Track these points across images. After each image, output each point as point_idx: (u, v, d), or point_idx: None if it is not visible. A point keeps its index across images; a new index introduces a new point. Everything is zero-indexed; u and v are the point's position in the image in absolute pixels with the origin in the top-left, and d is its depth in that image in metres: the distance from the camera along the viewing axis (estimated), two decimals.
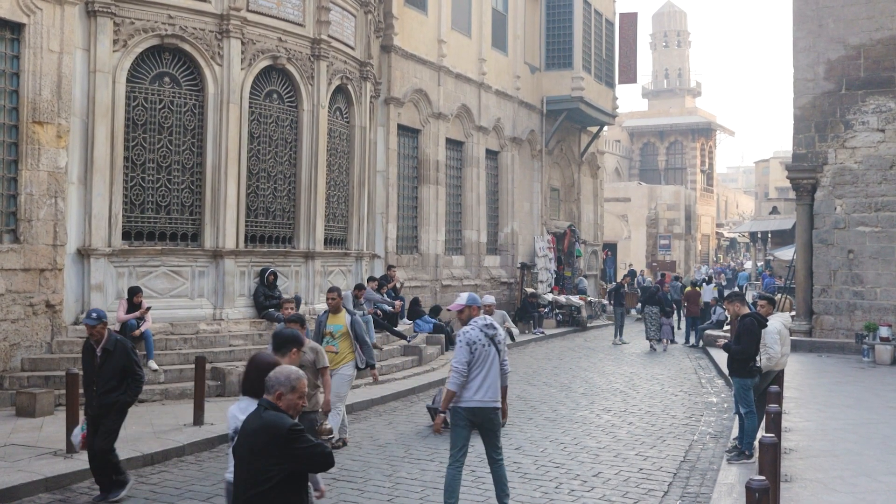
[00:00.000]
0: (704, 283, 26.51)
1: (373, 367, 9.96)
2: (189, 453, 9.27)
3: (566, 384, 14.73)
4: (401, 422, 11.37)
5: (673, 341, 21.97)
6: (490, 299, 11.15)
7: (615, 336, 22.08)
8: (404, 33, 19.49)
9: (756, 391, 9.51)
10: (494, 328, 7.04)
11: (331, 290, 10.01)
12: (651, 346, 20.98)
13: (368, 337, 9.75)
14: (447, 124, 21.42)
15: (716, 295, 24.37)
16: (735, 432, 9.62)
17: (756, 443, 8.03)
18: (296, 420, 4.32)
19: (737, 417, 9.48)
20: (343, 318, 9.74)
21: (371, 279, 16.80)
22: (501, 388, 7.06)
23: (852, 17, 18.53)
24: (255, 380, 4.82)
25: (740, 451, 8.96)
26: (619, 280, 33.43)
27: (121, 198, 12.54)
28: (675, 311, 25.27)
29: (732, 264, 52.90)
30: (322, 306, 15.21)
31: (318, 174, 15.16)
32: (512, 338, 10.30)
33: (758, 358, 9.20)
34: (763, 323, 9.26)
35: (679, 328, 24.57)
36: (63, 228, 11.80)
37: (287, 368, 4.40)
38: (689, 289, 24.04)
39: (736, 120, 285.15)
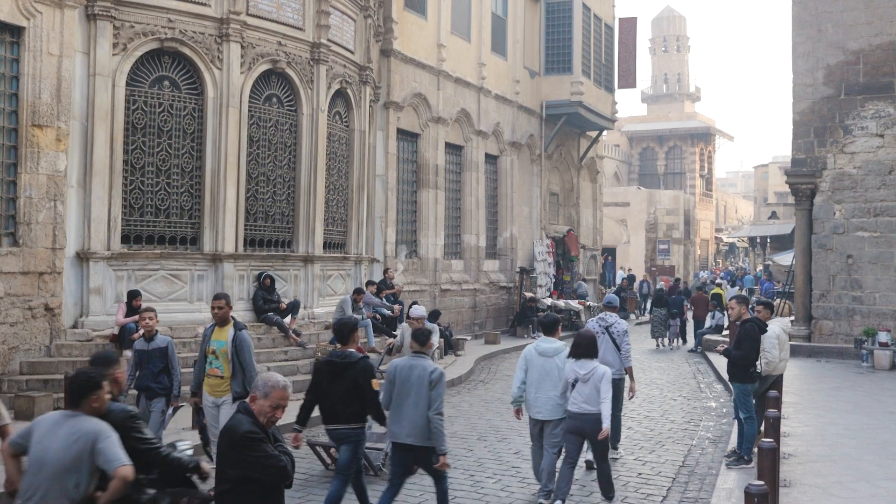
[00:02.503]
0: (728, 286, 26.62)
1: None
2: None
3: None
4: None
5: (684, 341, 22.85)
6: (420, 311, 10.13)
7: None
8: (404, 37, 19.51)
9: (755, 395, 9.51)
10: (608, 321, 9.58)
11: (216, 297, 8.00)
12: (657, 345, 22.39)
13: (250, 361, 7.74)
14: (446, 128, 21.42)
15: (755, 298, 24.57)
16: (734, 438, 9.61)
17: (755, 448, 8.03)
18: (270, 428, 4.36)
19: (736, 423, 9.47)
20: (227, 334, 7.75)
21: (370, 283, 16.79)
22: (626, 368, 9.48)
23: (851, 22, 18.56)
24: (580, 346, 7.67)
25: (739, 455, 8.95)
26: (618, 284, 33.56)
27: (120, 201, 12.54)
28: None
29: (731, 268, 52.86)
30: (321, 310, 15.26)
31: (318, 178, 15.16)
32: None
33: (758, 363, 9.20)
34: (764, 328, 9.26)
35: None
36: (62, 232, 11.80)
37: (273, 376, 4.44)
38: (695, 293, 24.19)
39: (735, 125, 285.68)
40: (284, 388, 4.38)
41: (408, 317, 10.75)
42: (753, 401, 9.30)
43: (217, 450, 4.39)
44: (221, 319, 7.86)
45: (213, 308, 7.97)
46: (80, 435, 4.34)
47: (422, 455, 6.69)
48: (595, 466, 8.04)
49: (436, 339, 9.76)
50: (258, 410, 4.31)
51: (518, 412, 8.18)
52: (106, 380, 4.66)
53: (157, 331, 8.49)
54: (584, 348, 7.68)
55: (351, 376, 6.67)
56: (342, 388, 6.68)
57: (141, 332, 11.74)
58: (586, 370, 7.51)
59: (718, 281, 31.94)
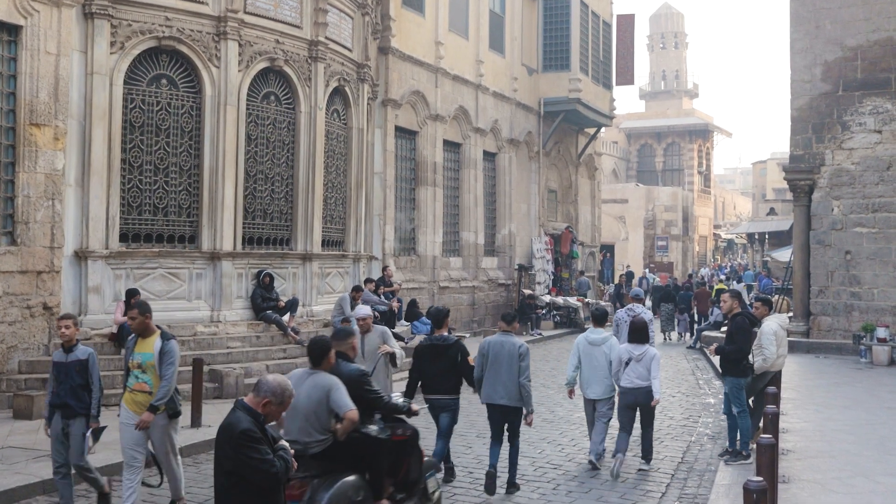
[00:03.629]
0: (734, 282, 26.66)
1: (154, 409, 6.88)
2: (186, 455, 9.24)
3: (564, 386, 14.70)
4: None
5: (690, 335, 22.96)
6: (365, 311, 9.15)
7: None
8: (402, 35, 19.50)
9: (753, 392, 9.53)
10: (635, 311, 11.08)
11: (130, 307, 7.19)
12: (665, 339, 22.82)
13: (171, 377, 6.94)
14: (444, 126, 21.42)
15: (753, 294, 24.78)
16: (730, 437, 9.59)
17: (753, 444, 8.04)
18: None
19: (727, 419, 9.48)
20: (153, 345, 6.97)
21: (368, 280, 16.79)
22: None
23: (849, 18, 18.56)
24: (635, 332, 9.05)
25: (737, 451, 8.97)
26: (616, 282, 33.56)
27: (118, 200, 12.54)
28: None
29: (730, 264, 52.94)
30: (320, 308, 15.25)
31: (316, 176, 15.16)
32: (394, 363, 8.60)
33: (750, 357, 9.25)
34: (754, 321, 9.32)
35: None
36: (60, 230, 11.79)
37: (284, 381, 4.46)
38: (699, 288, 24.32)
39: (733, 121, 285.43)
40: (293, 392, 4.54)
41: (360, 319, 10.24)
42: (752, 398, 9.32)
43: (215, 446, 4.40)
44: (140, 329, 7.02)
45: (129, 318, 7.13)
46: (318, 387, 5.76)
47: (511, 413, 8.12)
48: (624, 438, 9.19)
49: (387, 348, 8.69)
50: (269, 413, 4.34)
51: (571, 392, 9.63)
52: (335, 347, 6.16)
53: (77, 340, 7.27)
54: (638, 334, 9.05)
55: (450, 355, 8.21)
56: (443, 366, 8.19)
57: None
58: (639, 351, 8.88)
59: (721, 276, 32.08)
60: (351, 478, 5.88)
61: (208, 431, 9.77)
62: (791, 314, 19.55)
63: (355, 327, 8.37)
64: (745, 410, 9.10)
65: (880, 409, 11.78)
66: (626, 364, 8.89)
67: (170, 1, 12.86)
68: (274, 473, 4.21)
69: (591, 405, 9.23)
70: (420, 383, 8.39)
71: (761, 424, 8.28)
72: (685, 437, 10.66)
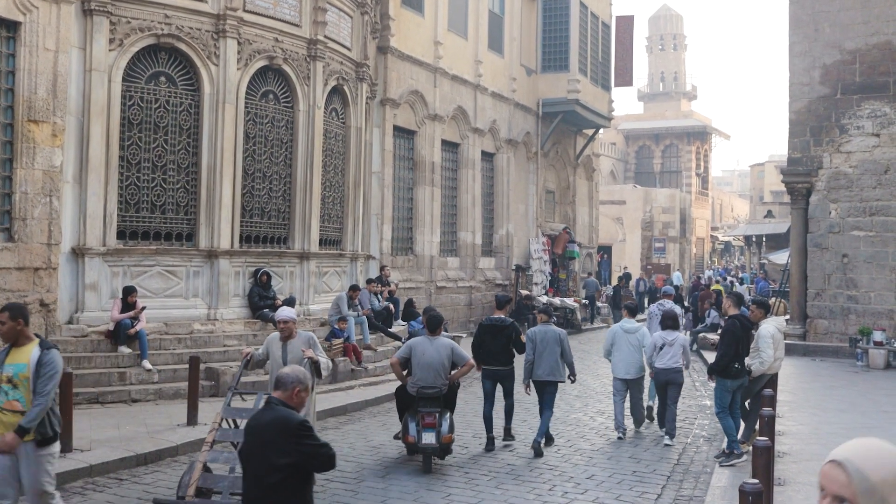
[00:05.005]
0: (738, 284, 26.69)
1: (22, 431, 5.46)
2: (182, 453, 9.26)
3: (560, 386, 14.69)
4: (395, 423, 11.32)
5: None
6: (286, 314, 8.17)
7: None
8: (401, 35, 19.49)
9: (750, 394, 9.56)
10: (665, 307, 12.59)
11: (2, 309, 5.73)
12: None
13: (49, 392, 5.60)
14: (443, 126, 21.42)
15: (749, 296, 24.88)
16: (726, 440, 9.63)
17: (749, 446, 8.04)
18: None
19: (727, 422, 9.50)
20: (28, 354, 5.65)
21: (370, 281, 16.81)
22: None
23: (848, 21, 18.59)
24: (667, 320, 10.67)
25: (730, 451, 8.97)
26: (615, 283, 33.57)
27: (116, 197, 12.52)
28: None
29: (728, 266, 52.97)
30: (317, 307, 15.24)
31: (314, 175, 15.15)
32: (318, 373, 7.88)
33: (747, 359, 9.30)
34: (746, 325, 9.37)
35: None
36: (58, 227, 11.77)
37: (300, 369, 4.60)
38: (703, 290, 24.39)
39: (731, 123, 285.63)
40: (310, 377, 4.95)
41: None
42: (748, 400, 9.32)
43: (262, 444, 4.25)
44: (10, 337, 5.71)
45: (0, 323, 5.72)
46: (444, 346, 8.92)
47: (551, 387, 10.08)
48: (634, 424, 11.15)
49: (311, 356, 7.95)
50: (300, 402, 4.46)
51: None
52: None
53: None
54: (670, 321, 10.68)
55: (506, 334, 9.92)
56: (500, 343, 9.91)
57: (137, 327, 11.88)
58: (671, 337, 10.42)
59: (717, 278, 32.07)
60: (448, 411, 8.89)
61: (204, 429, 9.73)
62: (788, 317, 19.57)
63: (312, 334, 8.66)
64: (725, 411, 9.19)
65: (876, 413, 11.80)
66: (660, 349, 10.36)
67: None
68: (333, 455, 4.34)
69: (624, 384, 10.70)
70: (483, 358, 9.95)
71: (757, 427, 8.29)
72: (681, 438, 10.66)
